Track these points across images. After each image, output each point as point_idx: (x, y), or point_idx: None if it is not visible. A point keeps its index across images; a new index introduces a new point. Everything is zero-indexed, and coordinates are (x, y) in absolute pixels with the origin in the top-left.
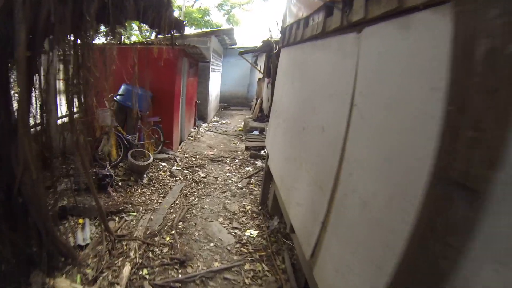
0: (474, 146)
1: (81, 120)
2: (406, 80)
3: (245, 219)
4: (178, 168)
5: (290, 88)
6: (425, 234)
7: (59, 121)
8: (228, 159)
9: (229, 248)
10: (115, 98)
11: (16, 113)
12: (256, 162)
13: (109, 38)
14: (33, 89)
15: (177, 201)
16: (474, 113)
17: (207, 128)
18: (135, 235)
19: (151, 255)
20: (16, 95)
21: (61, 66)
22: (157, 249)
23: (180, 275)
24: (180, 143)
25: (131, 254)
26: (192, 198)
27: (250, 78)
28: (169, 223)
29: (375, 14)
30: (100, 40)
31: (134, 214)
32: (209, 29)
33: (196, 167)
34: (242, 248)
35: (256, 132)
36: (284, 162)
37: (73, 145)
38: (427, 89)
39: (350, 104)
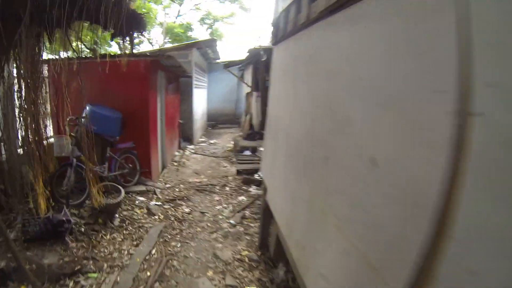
0: None
1: (26, 151)
2: None
3: (242, 270)
4: (157, 203)
5: (292, 95)
6: None
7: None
8: (217, 187)
9: None
10: (77, 122)
11: None
12: (250, 189)
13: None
14: None
15: (153, 251)
16: None
17: (193, 150)
18: None
19: None
20: None
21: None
22: None
23: None
24: (163, 170)
25: None
26: (173, 243)
27: (238, 93)
28: (141, 287)
29: None
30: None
31: (95, 275)
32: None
33: (179, 200)
34: None
35: (247, 152)
36: (291, 203)
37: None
38: None
39: (460, 115)
